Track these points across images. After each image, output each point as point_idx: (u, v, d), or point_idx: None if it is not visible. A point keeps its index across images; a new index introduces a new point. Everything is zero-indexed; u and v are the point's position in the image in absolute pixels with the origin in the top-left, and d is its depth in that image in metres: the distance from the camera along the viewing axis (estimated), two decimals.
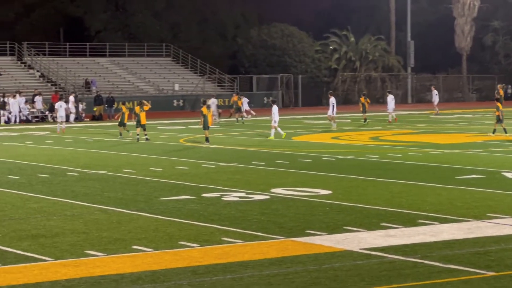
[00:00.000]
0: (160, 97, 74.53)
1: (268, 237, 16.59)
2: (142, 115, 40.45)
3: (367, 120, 53.59)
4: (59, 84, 73.48)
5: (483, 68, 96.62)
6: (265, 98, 79.87)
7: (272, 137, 41.28)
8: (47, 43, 78.62)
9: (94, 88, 72.00)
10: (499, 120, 41.34)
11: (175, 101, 74.32)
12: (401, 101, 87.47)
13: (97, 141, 41.89)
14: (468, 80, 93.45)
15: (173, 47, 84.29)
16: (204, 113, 39.58)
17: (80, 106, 62.42)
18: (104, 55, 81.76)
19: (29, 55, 77.20)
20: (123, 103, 47.86)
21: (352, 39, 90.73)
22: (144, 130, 40.49)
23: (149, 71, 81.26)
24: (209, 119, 39.74)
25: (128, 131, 42.47)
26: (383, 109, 71.43)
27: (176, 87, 77.52)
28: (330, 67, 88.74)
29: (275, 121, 41.57)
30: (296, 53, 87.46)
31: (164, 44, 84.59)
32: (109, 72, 79.60)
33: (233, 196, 22.09)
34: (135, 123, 41.27)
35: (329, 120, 49.36)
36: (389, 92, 59.32)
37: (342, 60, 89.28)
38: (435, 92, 64.37)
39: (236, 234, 16.83)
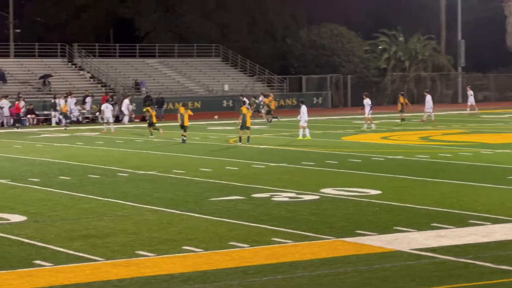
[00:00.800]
0: (209, 98, 74.73)
1: (318, 237, 16.57)
2: (186, 117, 40.37)
3: (405, 120, 53.38)
4: (109, 85, 73.96)
5: None
6: (314, 98, 79.77)
7: (300, 137, 41.13)
8: (97, 44, 79.15)
9: (143, 89, 72.37)
10: None
11: (224, 101, 74.42)
12: (451, 100, 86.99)
13: (146, 142, 42.08)
14: None
15: (222, 48, 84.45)
16: (243, 112, 39.66)
17: (130, 107, 62.74)
18: (153, 56, 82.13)
19: (79, 56, 77.79)
20: (149, 106, 48.76)
21: (402, 38, 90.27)
22: (185, 131, 40.34)
23: (199, 72, 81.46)
24: (247, 119, 39.70)
25: (158, 129, 42.83)
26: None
27: (226, 87, 77.64)
28: (379, 67, 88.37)
29: (305, 121, 41.34)
30: (345, 53, 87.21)
31: (213, 44, 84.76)
32: (159, 73, 79.93)
33: (283, 196, 22.09)
34: (179, 124, 41.06)
35: (366, 121, 48.61)
36: (427, 92, 58.91)
37: (392, 60, 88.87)
38: (470, 92, 63.77)
39: (286, 234, 16.83)
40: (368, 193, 22.37)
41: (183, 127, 40.37)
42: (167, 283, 13.18)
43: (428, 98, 55.95)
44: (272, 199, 21.69)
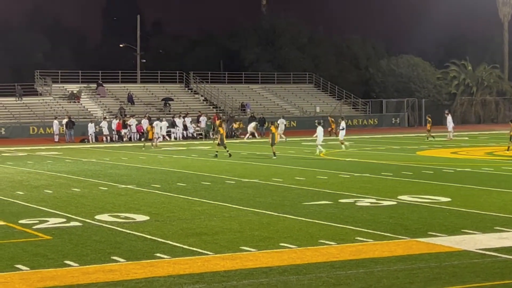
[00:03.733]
0: (303, 118, 74.74)
1: (395, 237, 16.40)
2: (276, 135, 40.29)
3: (430, 138, 52.74)
4: (219, 107, 74.55)
5: None
6: (393, 119, 79.14)
7: (317, 153, 40.62)
8: (209, 72, 79.93)
9: (248, 110, 72.75)
10: None
11: (316, 121, 74.18)
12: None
13: (250, 155, 42.25)
14: None
15: (314, 76, 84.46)
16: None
17: (235, 125, 62.94)
18: (257, 82, 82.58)
19: (194, 82, 78.64)
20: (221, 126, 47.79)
21: (470, 67, 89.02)
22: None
23: (295, 96, 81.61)
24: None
25: (226, 149, 40.46)
26: (495, 128, 69.74)
27: (317, 109, 77.59)
28: (449, 92, 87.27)
29: (319, 140, 41.08)
30: (420, 80, 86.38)
31: (307, 73, 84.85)
32: (261, 96, 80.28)
33: (365, 201, 21.93)
34: (270, 142, 40.51)
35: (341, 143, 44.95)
36: (448, 113, 57.75)
37: (461, 86, 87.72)
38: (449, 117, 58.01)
39: (367, 234, 16.70)
40: (439, 200, 22.06)
41: (273, 144, 39.82)
42: (266, 275, 13.18)
43: (449, 118, 55.23)
44: (356, 204, 21.55)
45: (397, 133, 61.76)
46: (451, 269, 13.43)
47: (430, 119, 55.41)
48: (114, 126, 60.25)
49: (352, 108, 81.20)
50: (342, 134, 46.38)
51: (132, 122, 60.59)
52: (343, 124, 46.81)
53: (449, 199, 22.10)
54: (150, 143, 49.89)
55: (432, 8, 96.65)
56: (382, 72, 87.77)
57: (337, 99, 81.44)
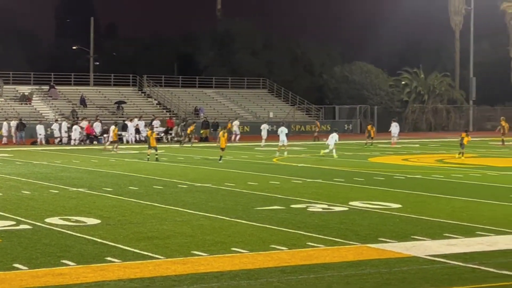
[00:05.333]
0: (257, 123, 74.75)
1: (346, 243, 16.51)
2: (222, 140, 40.31)
3: (369, 145, 54.15)
4: (173, 111, 74.35)
5: None
6: (345, 125, 79.58)
7: (285, 155, 42.37)
8: (163, 76, 79.70)
9: (202, 114, 72.66)
10: None
11: (269, 126, 74.36)
12: (463, 129, 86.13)
13: (203, 159, 42.21)
14: None
15: (268, 81, 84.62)
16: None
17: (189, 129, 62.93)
18: (210, 87, 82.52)
19: (148, 86, 78.33)
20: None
21: (422, 75, 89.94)
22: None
23: (248, 101, 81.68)
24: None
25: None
26: (445, 136, 70.56)
27: (271, 114, 77.71)
28: (401, 99, 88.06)
29: (282, 141, 43.55)
30: (373, 87, 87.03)
31: (261, 78, 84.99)
32: (215, 101, 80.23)
33: (317, 207, 22.03)
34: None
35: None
36: (394, 120, 59.34)
37: (412, 93, 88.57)
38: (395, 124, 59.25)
39: (319, 240, 16.79)
40: (390, 206, 22.24)
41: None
42: (217, 279, 13.19)
43: (393, 125, 56.80)
44: (308, 209, 21.64)
45: (349, 140, 62.17)
46: (401, 275, 13.56)
47: (371, 127, 57.06)
48: (64, 129, 59.88)
49: (305, 114, 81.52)
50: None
51: (84, 125, 60.16)
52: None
53: (400, 206, 22.30)
54: (112, 146, 49.47)
55: (386, 16, 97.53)
56: (335, 79, 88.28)
57: (291, 105, 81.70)
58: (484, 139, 65.37)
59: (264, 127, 56.01)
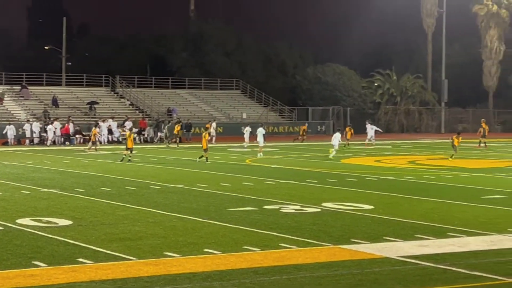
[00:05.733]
0: (230, 124, 74.78)
1: (319, 244, 16.55)
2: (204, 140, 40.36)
3: (348, 146, 54.71)
4: (145, 112, 74.14)
5: (507, 103, 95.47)
6: (318, 127, 79.75)
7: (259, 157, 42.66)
8: (136, 76, 79.45)
9: (174, 115, 72.50)
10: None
11: (242, 127, 74.33)
12: (435, 131, 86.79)
13: (176, 160, 42.12)
14: (493, 114, 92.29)
15: (241, 82, 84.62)
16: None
17: (164, 131, 62.83)
18: (183, 88, 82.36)
19: (121, 86, 78.04)
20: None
21: (394, 77, 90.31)
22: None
23: (221, 102, 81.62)
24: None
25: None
26: (417, 137, 70.91)
27: (244, 115, 77.71)
28: (374, 101, 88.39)
29: (259, 142, 44.19)
30: (346, 89, 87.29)
31: (234, 79, 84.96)
32: (188, 102, 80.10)
33: (290, 208, 22.07)
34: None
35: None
36: (369, 123, 60.57)
37: (385, 95, 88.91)
38: (370, 126, 60.33)
39: (291, 241, 16.81)
40: (363, 207, 22.32)
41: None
42: (190, 280, 13.17)
43: (369, 127, 57.57)
44: (281, 210, 21.67)
45: (322, 141, 62.29)
46: (373, 276, 13.61)
47: (349, 128, 57.79)
48: (36, 129, 59.57)
49: (279, 115, 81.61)
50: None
51: (56, 125, 59.82)
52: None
53: (372, 207, 22.38)
54: (93, 146, 49.12)
55: (359, 18, 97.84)
56: (308, 80, 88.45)
57: (264, 106, 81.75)
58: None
59: (248, 130, 55.89)
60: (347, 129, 58.01)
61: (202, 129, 59.56)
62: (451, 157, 43.16)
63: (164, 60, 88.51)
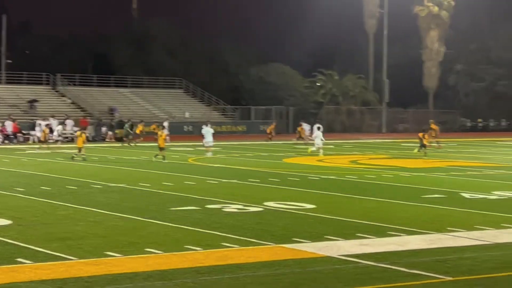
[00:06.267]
0: (173, 123, 74.44)
1: (261, 243, 16.58)
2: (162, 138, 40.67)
3: (298, 145, 55.37)
4: (87, 110, 73.51)
5: (447, 104, 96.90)
6: (261, 126, 79.90)
7: (208, 156, 42.99)
8: (77, 74, 78.71)
9: (116, 114, 72.00)
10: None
11: (185, 126, 74.26)
12: (377, 131, 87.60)
13: (118, 159, 41.86)
14: (434, 114, 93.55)
15: (184, 81, 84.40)
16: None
17: (104, 129, 62.53)
18: (126, 86, 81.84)
19: (62, 84, 77.24)
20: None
21: (336, 77, 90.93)
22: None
23: (164, 101, 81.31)
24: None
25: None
26: (359, 137, 71.54)
27: (187, 115, 77.56)
28: (316, 101, 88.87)
29: (207, 142, 44.48)
30: (288, 88, 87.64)
31: (177, 78, 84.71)
32: (130, 101, 79.61)
33: (232, 207, 22.07)
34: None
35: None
36: (317, 122, 60.80)
37: (327, 95, 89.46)
38: (306, 125, 61.74)
39: (234, 240, 16.82)
40: (304, 206, 22.42)
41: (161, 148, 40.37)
42: (131, 280, 13.10)
43: (315, 127, 57.75)
44: (223, 210, 21.66)
45: (265, 140, 62.46)
46: (314, 275, 13.68)
47: (301, 128, 57.70)
48: None
49: (221, 115, 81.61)
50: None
51: (8, 124, 59.06)
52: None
53: (314, 206, 22.50)
54: (44, 145, 48.61)
55: (302, 18, 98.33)
56: (251, 80, 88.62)
57: (207, 105, 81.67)
58: (396, 141, 66.51)
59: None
60: (299, 128, 58.35)
61: (157, 127, 59.01)
62: (423, 154, 44.70)
63: (106, 59, 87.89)
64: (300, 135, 57.02)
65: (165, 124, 62.28)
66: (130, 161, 40.09)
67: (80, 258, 14.79)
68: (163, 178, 30.78)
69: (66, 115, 66.44)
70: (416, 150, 46.58)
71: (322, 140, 46.65)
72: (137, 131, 57.83)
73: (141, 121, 60.98)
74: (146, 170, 34.60)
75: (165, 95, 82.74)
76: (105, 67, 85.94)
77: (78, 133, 41.94)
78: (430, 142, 55.99)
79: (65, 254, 15.09)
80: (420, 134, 46.12)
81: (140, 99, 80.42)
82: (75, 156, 40.08)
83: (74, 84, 77.58)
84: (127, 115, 71.03)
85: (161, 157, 39.81)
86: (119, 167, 36.61)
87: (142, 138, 57.63)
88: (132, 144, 55.84)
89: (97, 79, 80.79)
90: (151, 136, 57.18)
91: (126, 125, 59.90)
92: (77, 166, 36.92)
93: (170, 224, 18.92)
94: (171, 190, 26.49)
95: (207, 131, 45.45)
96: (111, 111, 73.56)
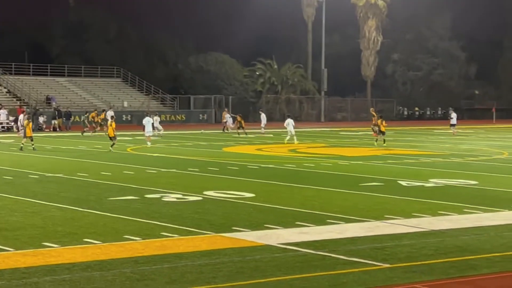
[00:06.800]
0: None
1: (200, 232, 16.57)
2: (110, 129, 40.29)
3: (242, 134, 55.58)
4: (23, 99, 72.50)
5: (385, 93, 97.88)
6: (200, 115, 79.79)
7: (148, 145, 42.66)
8: (13, 63, 77.54)
9: (54, 103, 71.15)
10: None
11: (124, 116, 73.73)
12: (315, 119, 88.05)
13: (55, 149, 41.39)
14: (371, 103, 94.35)
15: (122, 70, 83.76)
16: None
17: (41, 119, 61.78)
18: (63, 75, 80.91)
19: None
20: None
21: (275, 66, 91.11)
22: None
23: (102, 90, 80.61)
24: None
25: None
26: (298, 126, 71.88)
27: (125, 104, 77.04)
28: (256, 90, 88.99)
29: (147, 132, 44.13)
30: (228, 77, 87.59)
31: (115, 67, 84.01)
32: (67, 90, 78.75)
33: (171, 197, 22.01)
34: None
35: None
36: (261, 111, 62.81)
37: (266, 84, 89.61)
38: (228, 115, 62.67)
39: (173, 230, 16.78)
40: (244, 195, 22.47)
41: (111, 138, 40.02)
42: (69, 271, 12.98)
43: (262, 116, 58.66)
44: (162, 199, 21.59)
45: (204, 129, 62.36)
46: (254, 263, 13.72)
47: (240, 117, 58.32)
48: None
49: (160, 104, 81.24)
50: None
51: None
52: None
53: (253, 195, 22.55)
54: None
55: (240, 7, 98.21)
56: (190, 69, 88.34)
57: (145, 94, 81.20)
58: (335, 129, 66.99)
59: (157, 120, 55.10)
60: (238, 117, 58.33)
61: (97, 115, 58.23)
62: (383, 142, 44.71)
63: (43, 47, 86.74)
64: (241, 124, 56.90)
65: (110, 113, 60.73)
66: (67, 151, 39.67)
67: (17, 249, 14.61)
68: (101, 168, 30.53)
69: (0, 104, 65.43)
70: (377, 141, 45.39)
71: (293, 126, 48.23)
72: (96, 119, 56.94)
73: (103, 110, 60.18)
74: (84, 160, 34.28)
75: (103, 84, 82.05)
76: (41, 56, 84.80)
77: (26, 122, 41.15)
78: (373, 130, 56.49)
79: (1, 245, 14.89)
80: (379, 121, 46.32)
81: (78, 88, 79.62)
82: (25, 145, 39.47)
83: (10, 73, 76.43)
84: (65, 104, 70.27)
85: (115, 145, 39.61)
86: (57, 157, 36.22)
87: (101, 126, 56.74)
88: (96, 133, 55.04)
89: (34, 68, 79.71)
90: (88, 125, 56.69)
91: (84, 116, 59.21)
92: (14, 156, 36.42)
93: (109, 214, 18.79)
94: (109, 180, 26.29)
95: (148, 121, 45.19)
96: (48, 100, 72.67)
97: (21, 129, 49.32)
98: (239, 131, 56.80)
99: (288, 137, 47.44)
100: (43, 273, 12.80)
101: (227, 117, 62.07)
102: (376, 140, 45.66)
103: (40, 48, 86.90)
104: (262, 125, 59.52)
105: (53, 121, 62.51)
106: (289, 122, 48.18)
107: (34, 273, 12.76)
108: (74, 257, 14.00)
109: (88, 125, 56.69)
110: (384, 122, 46.58)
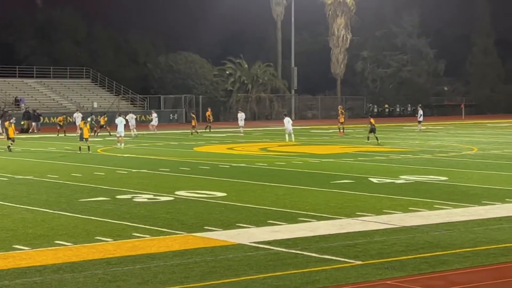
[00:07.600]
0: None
1: (172, 232, 16.54)
2: (85, 130, 39.93)
3: (198, 133, 55.50)
4: None
5: (354, 90, 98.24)
6: (171, 115, 79.59)
7: (122, 147, 42.36)
8: None
9: (22, 105, 70.64)
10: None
11: (93, 117, 73.27)
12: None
13: (24, 151, 41.10)
14: (341, 101, 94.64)
15: (92, 71, 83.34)
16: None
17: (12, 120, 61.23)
18: (32, 77, 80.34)
19: None
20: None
21: (245, 65, 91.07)
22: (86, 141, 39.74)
23: (71, 91, 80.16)
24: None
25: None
26: (269, 124, 71.96)
27: (95, 104, 76.63)
28: (226, 89, 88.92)
29: (119, 132, 43.62)
30: (198, 77, 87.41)
31: (84, 68, 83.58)
32: (36, 91, 78.23)
33: (143, 197, 21.95)
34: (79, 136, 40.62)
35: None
36: (240, 110, 62.57)
37: (237, 83, 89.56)
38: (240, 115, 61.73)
39: (144, 230, 16.73)
40: (215, 195, 22.45)
41: (82, 138, 39.73)
42: (40, 273, 12.90)
43: (240, 115, 58.29)
44: (133, 200, 21.52)
45: (175, 129, 62.21)
46: (226, 263, 13.71)
47: (194, 116, 58.58)
48: None
49: (130, 104, 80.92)
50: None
51: None
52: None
53: (225, 194, 22.55)
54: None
55: (210, 6, 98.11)
56: (160, 68, 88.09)
57: (115, 95, 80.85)
58: (305, 127, 67.09)
59: (132, 117, 54.77)
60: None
61: (64, 119, 57.96)
62: (378, 142, 44.34)
63: (11, 48, 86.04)
64: (193, 124, 56.73)
65: (76, 115, 60.46)
66: (37, 153, 39.41)
67: None
68: (72, 169, 30.37)
69: None
70: (369, 139, 45.23)
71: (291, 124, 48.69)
72: (102, 122, 56.80)
73: (104, 114, 59.84)
74: (55, 162, 34.08)
75: (73, 85, 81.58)
76: (9, 57, 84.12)
77: (7, 123, 41.10)
78: (341, 128, 56.70)
79: None
80: (372, 120, 46.31)
81: (47, 89, 79.11)
82: (10, 146, 39.48)
83: None
84: (34, 105, 69.79)
85: (87, 147, 39.43)
86: (27, 158, 35.98)
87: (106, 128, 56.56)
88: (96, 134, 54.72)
89: (2, 70, 79.06)
90: (54, 127, 56.42)
91: (89, 119, 58.73)
92: None
93: (80, 216, 18.70)
94: (80, 181, 26.16)
95: (120, 121, 44.79)
96: (17, 102, 72.13)
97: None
98: (206, 130, 56.54)
99: (287, 136, 47.66)
100: (14, 276, 12.71)
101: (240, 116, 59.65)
102: (368, 138, 45.63)
103: (8, 49, 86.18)
104: (241, 124, 58.25)
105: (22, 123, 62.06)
106: (288, 121, 48.30)
107: (5, 276, 12.66)
108: (45, 259, 13.91)
109: (96, 126, 56.40)
110: (372, 120, 46.70)
